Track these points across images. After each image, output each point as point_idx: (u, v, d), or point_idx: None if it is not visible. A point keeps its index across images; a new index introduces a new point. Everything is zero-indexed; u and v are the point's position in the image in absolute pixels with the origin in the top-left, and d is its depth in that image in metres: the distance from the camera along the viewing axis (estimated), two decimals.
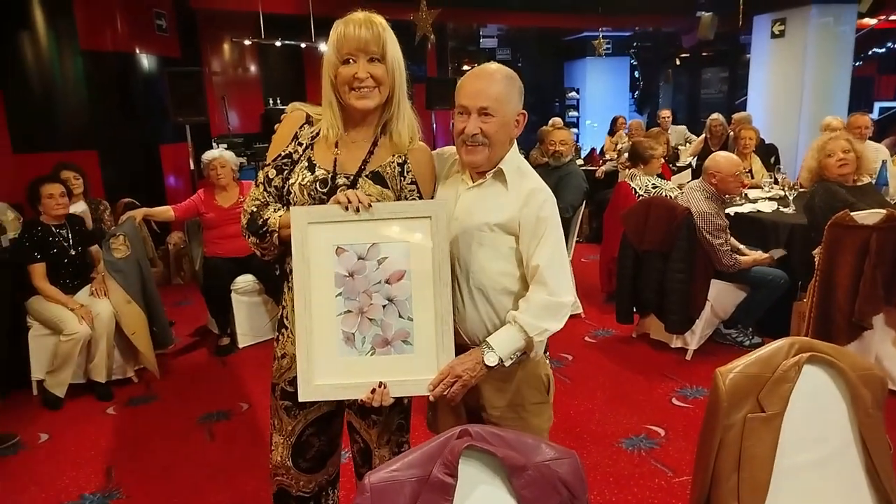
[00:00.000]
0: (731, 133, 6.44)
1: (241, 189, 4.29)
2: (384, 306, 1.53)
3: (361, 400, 1.53)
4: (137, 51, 6.42)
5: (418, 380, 1.55)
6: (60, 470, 2.87)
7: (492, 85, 1.58)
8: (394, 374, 1.54)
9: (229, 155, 4.33)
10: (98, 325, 3.50)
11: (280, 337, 1.70)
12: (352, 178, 1.58)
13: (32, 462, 2.96)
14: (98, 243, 3.77)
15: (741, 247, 3.84)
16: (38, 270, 3.50)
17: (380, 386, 1.52)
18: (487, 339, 1.58)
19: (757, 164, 5.64)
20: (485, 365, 1.55)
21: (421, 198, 1.63)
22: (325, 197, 1.56)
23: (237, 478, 2.74)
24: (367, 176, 1.59)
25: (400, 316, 1.54)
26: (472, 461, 1.15)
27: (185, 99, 5.87)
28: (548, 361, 1.77)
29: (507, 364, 1.58)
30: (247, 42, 8.73)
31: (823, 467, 1.34)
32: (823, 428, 1.35)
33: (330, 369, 1.53)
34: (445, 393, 1.53)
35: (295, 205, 1.56)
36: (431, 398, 1.56)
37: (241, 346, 4.24)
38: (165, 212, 4.22)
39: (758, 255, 3.73)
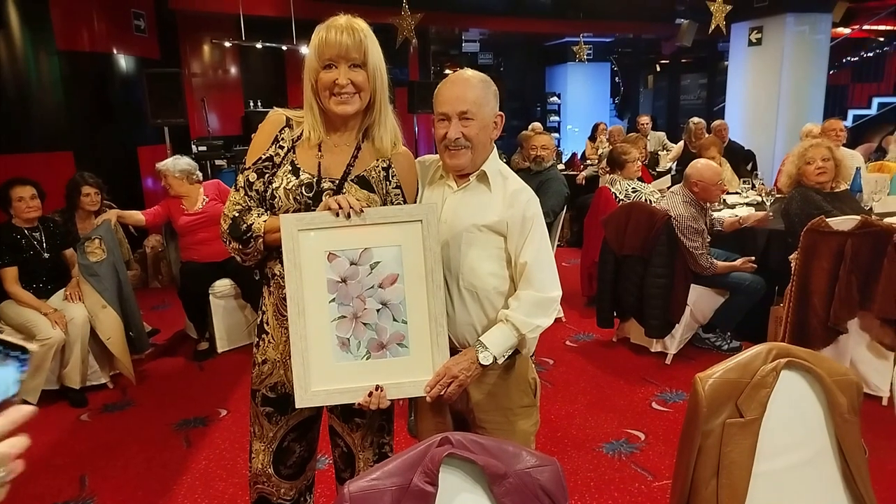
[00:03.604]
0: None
1: (204, 191, 4.19)
2: (378, 310, 1.53)
3: (359, 404, 1.52)
4: (115, 51, 6.33)
5: (415, 381, 1.55)
6: (33, 478, 2.81)
7: (469, 90, 1.61)
8: (390, 376, 1.54)
9: (171, 163, 4.14)
10: (72, 330, 3.43)
11: (260, 343, 1.67)
12: (337, 182, 1.57)
13: None
14: (73, 246, 3.71)
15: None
16: (10, 274, 3.44)
17: (377, 389, 1.51)
18: (481, 339, 1.60)
19: (728, 171, 5.68)
20: (480, 364, 1.57)
21: (405, 202, 1.64)
22: (310, 201, 1.55)
23: (214, 485, 2.70)
24: (352, 180, 1.58)
25: (394, 319, 1.54)
26: (453, 469, 1.14)
27: (164, 100, 5.79)
28: (533, 365, 1.78)
29: (500, 362, 1.62)
30: (227, 44, 8.63)
31: (800, 472, 1.35)
32: (800, 433, 1.36)
33: (326, 375, 1.53)
34: (442, 393, 1.54)
35: (279, 209, 1.55)
36: (429, 399, 1.56)
37: (220, 350, 4.19)
38: (136, 216, 4.14)
39: (735, 262, 3.76)
